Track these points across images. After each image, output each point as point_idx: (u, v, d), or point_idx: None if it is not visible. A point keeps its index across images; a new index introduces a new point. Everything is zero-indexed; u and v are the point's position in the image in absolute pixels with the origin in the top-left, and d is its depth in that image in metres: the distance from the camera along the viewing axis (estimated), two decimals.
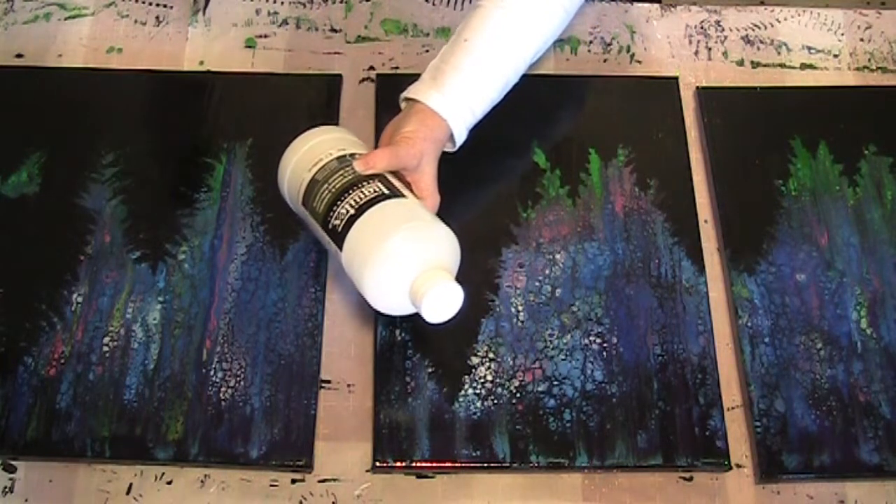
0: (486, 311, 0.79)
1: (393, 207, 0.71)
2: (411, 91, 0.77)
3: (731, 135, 0.88)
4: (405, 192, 0.74)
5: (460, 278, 0.71)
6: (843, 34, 0.96)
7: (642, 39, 0.95)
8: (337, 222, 0.71)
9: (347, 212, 0.71)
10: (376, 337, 0.78)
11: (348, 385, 0.78)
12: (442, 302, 0.70)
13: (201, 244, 0.81)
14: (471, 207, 0.84)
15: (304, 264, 0.81)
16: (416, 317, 0.71)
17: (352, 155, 0.75)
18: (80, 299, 0.79)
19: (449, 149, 0.80)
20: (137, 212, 0.83)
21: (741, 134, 0.89)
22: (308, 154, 0.76)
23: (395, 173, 0.75)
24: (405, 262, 0.69)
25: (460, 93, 0.76)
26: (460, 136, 0.78)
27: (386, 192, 0.72)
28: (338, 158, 0.74)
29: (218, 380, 0.76)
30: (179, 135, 0.87)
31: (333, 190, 0.72)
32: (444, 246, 0.72)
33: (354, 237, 0.70)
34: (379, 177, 0.73)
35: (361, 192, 0.71)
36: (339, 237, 0.71)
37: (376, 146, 0.80)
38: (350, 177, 0.73)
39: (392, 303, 0.72)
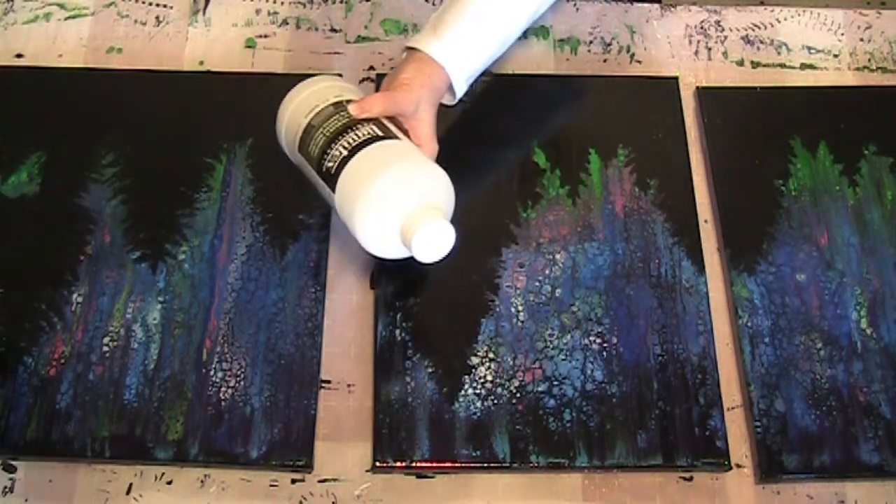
0: (486, 311, 0.79)
1: (385, 148, 0.71)
2: (411, 40, 0.78)
3: (731, 135, 0.88)
4: (400, 135, 0.74)
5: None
6: (843, 34, 0.96)
7: (642, 39, 0.95)
8: (330, 164, 0.71)
9: (340, 153, 0.71)
10: (376, 337, 0.78)
11: (348, 385, 0.78)
12: (433, 240, 0.69)
13: (201, 244, 0.81)
14: (471, 207, 0.84)
15: (304, 264, 0.81)
16: (411, 261, 0.70)
17: (348, 101, 0.75)
18: (80, 299, 0.79)
19: (448, 101, 0.80)
20: (137, 212, 0.83)
21: (741, 134, 0.89)
22: (305, 101, 0.76)
23: (392, 119, 0.75)
24: (396, 200, 0.69)
25: (459, 42, 0.77)
26: (459, 87, 0.78)
27: (380, 133, 0.72)
28: (334, 104, 0.74)
29: (218, 380, 0.76)
30: (179, 135, 0.87)
31: (328, 134, 0.72)
32: (436, 186, 0.72)
33: (346, 178, 0.70)
34: (374, 121, 0.73)
35: (355, 133, 0.71)
36: (332, 179, 0.71)
37: None
38: (345, 121, 0.73)
39: (384, 244, 0.72)
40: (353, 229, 0.71)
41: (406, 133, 0.75)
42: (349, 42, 0.94)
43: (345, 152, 0.71)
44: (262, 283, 0.80)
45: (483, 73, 0.83)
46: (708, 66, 0.94)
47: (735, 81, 0.93)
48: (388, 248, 0.72)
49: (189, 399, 0.75)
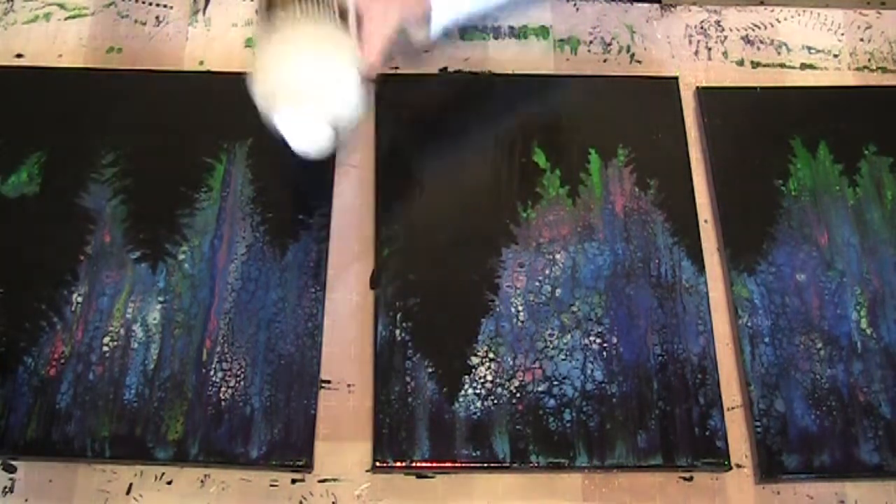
0: (486, 311, 0.79)
1: (315, 30, 0.73)
2: None
3: (731, 135, 0.88)
4: (346, 28, 0.74)
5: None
6: (843, 34, 0.96)
7: (642, 39, 0.95)
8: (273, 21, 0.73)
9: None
10: (376, 337, 0.78)
11: (348, 385, 0.78)
12: (295, 127, 0.72)
13: (201, 244, 0.81)
14: (471, 207, 0.84)
15: (304, 264, 0.81)
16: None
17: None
18: (80, 299, 0.79)
19: (418, 37, 0.80)
20: (137, 212, 0.83)
21: (741, 134, 0.89)
22: None
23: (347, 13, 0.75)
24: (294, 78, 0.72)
25: None
26: (437, 19, 0.78)
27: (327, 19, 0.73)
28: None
29: (218, 380, 0.76)
30: (179, 135, 0.87)
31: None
32: (339, 88, 0.73)
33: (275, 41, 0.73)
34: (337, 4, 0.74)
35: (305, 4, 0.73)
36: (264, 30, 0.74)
37: (377, 149, 0.80)
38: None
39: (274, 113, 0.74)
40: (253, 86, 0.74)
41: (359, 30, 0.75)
42: None
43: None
44: (262, 283, 0.80)
45: (477, 72, 0.83)
46: (708, 66, 0.94)
47: (735, 81, 0.93)
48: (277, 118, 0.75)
49: (189, 399, 0.75)
